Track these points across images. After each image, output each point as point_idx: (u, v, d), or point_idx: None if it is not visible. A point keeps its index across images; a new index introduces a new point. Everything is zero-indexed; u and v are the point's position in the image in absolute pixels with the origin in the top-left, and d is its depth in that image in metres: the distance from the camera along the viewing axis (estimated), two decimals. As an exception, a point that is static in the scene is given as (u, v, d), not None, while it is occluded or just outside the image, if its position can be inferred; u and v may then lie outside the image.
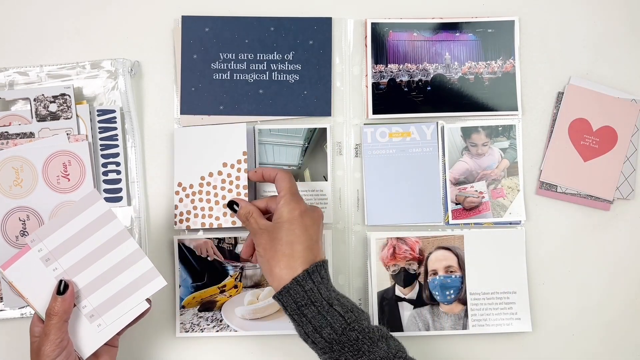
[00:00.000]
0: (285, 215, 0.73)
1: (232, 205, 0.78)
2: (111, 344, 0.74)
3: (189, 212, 0.84)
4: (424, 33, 0.88)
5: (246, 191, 0.83)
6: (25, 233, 0.83)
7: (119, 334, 0.73)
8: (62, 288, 0.70)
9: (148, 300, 0.73)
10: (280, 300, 0.71)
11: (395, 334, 0.84)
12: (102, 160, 0.85)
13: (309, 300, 0.69)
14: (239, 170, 0.83)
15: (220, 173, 0.84)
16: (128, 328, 0.73)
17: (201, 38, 0.87)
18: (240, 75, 0.87)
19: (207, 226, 0.83)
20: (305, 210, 0.74)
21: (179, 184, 0.84)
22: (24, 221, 0.83)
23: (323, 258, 0.73)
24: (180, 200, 0.84)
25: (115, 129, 0.85)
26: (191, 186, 0.84)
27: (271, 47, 0.87)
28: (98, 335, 0.72)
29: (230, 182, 0.83)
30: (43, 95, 0.84)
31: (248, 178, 0.83)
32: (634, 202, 0.88)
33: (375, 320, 0.85)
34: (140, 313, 0.73)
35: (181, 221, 0.84)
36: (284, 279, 0.70)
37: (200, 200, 0.84)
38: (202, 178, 0.84)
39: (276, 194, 0.77)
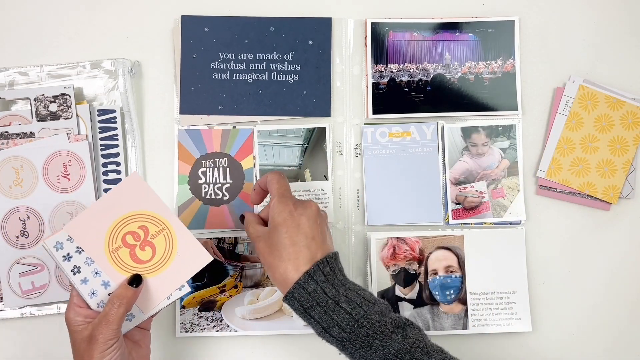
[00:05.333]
0: (276, 219, 0.71)
1: (242, 218, 0.78)
2: (144, 327, 0.74)
3: None
4: (424, 33, 0.88)
5: None
6: (26, 233, 0.83)
7: (152, 316, 0.73)
8: (135, 281, 0.70)
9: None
10: (288, 304, 0.70)
11: (395, 334, 0.84)
12: (102, 160, 0.85)
13: (314, 302, 0.68)
14: None
15: None
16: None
17: (201, 38, 0.87)
18: (239, 75, 0.87)
19: None
20: (295, 209, 0.71)
21: None
22: (24, 221, 0.83)
23: (326, 253, 0.71)
24: None
25: (116, 129, 0.85)
26: None
27: (271, 47, 0.87)
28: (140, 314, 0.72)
29: None
30: (43, 95, 0.84)
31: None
32: (634, 202, 0.88)
33: (375, 320, 0.85)
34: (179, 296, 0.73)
35: None
36: (287, 282, 0.69)
37: None
38: None
39: None
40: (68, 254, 0.70)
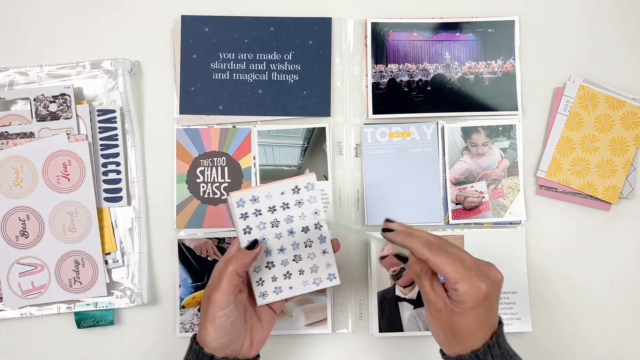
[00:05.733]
0: (469, 303, 0.61)
1: (400, 256, 0.68)
2: (274, 309, 0.74)
3: None
4: (424, 33, 0.88)
5: None
6: (25, 233, 0.83)
7: (287, 300, 0.73)
8: (252, 244, 0.69)
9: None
10: None
11: (395, 334, 0.84)
12: (102, 160, 0.85)
13: None
14: None
15: None
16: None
17: (201, 38, 0.87)
18: (239, 75, 0.87)
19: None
20: (490, 289, 0.62)
21: None
22: (24, 221, 0.83)
23: (497, 322, 0.65)
24: None
25: (116, 129, 0.85)
26: None
27: (271, 47, 0.87)
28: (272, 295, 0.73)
29: None
30: (43, 95, 0.84)
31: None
32: (634, 202, 0.88)
33: (375, 320, 0.85)
34: (310, 291, 0.73)
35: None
36: (461, 348, 0.63)
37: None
38: None
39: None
40: (246, 212, 0.71)
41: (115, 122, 0.85)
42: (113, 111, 0.86)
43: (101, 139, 0.85)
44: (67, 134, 0.84)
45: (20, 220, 0.83)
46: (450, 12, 0.89)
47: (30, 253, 0.83)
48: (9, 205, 0.83)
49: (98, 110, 0.85)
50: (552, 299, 0.87)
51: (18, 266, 0.83)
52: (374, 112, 0.87)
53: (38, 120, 0.84)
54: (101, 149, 0.85)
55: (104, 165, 0.85)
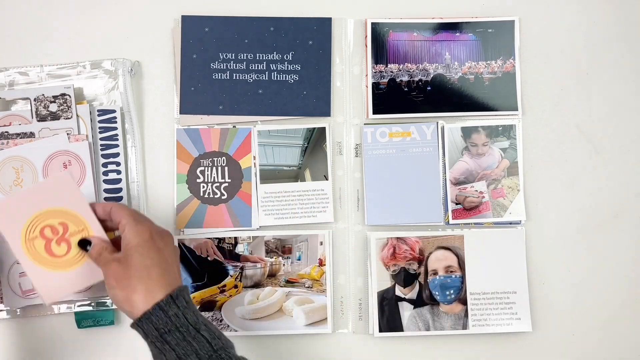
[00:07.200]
0: (134, 240, 0.69)
1: (84, 244, 0.73)
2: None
3: None
4: (424, 33, 0.88)
5: None
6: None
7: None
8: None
9: None
10: (140, 327, 0.66)
11: (395, 334, 0.85)
12: (103, 160, 0.85)
13: (174, 326, 0.65)
14: None
15: None
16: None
17: (201, 38, 0.87)
18: (239, 75, 0.87)
19: None
20: (155, 232, 0.70)
21: None
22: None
23: (182, 284, 0.70)
24: None
25: (116, 128, 0.85)
26: None
27: (271, 47, 0.87)
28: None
29: None
30: (43, 95, 0.84)
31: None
32: (634, 202, 0.88)
33: (375, 320, 0.85)
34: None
35: None
36: (143, 305, 0.66)
37: None
38: None
39: None
40: None
41: (116, 122, 0.85)
42: (113, 111, 0.86)
43: (101, 138, 0.85)
44: (68, 134, 0.84)
45: (20, 220, 0.83)
46: (450, 12, 0.89)
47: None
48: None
49: (98, 110, 0.85)
50: (552, 299, 0.87)
51: (18, 266, 0.83)
52: (374, 112, 0.87)
53: (38, 120, 0.84)
54: (101, 149, 0.85)
55: (104, 165, 0.85)
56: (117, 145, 0.85)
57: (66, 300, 0.80)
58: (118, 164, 0.85)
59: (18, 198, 0.74)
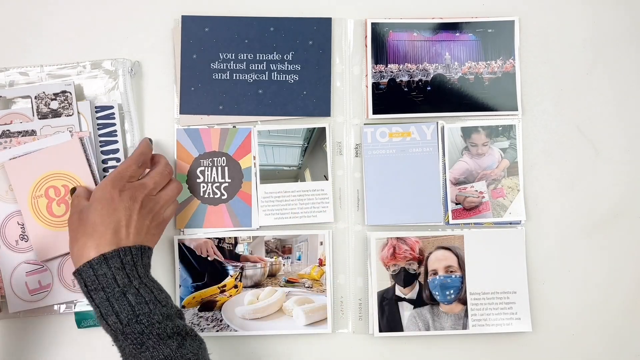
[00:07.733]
0: (97, 193, 0.72)
1: (73, 190, 0.79)
2: None
3: None
4: (424, 33, 0.88)
5: None
6: (25, 237, 0.83)
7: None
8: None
9: None
10: (76, 279, 0.69)
11: (395, 334, 0.84)
12: (102, 157, 0.85)
13: (100, 286, 0.67)
14: None
15: None
16: None
17: (201, 38, 0.87)
18: (239, 75, 0.87)
19: None
20: (119, 194, 0.71)
21: None
22: (23, 224, 0.83)
23: (137, 244, 0.70)
24: None
25: (114, 124, 0.85)
26: None
27: (271, 47, 0.87)
28: None
29: None
30: (44, 92, 0.84)
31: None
32: (635, 202, 0.88)
33: (375, 320, 0.85)
34: None
35: None
36: (81, 259, 0.68)
37: None
38: None
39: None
40: None
41: (114, 118, 0.85)
42: (111, 107, 0.85)
43: (100, 135, 0.85)
44: (69, 131, 0.84)
45: (19, 224, 0.83)
46: (450, 12, 0.89)
47: (30, 257, 0.83)
48: (7, 210, 0.83)
49: (96, 107, 0.85)
50: (552, 299, 0.87)
51: (25, 265, 0.82)
52: (374, 112, 0.87)
53: (39, 118, 0.84)
54: (100, 145, 0.85)
55: (104, 161, 0.85)
56: (116, 142, 0.85)
57: (58, 255, 0.82)
58: (118, 159, 0.85)
59: (31, 158, 0.81)
